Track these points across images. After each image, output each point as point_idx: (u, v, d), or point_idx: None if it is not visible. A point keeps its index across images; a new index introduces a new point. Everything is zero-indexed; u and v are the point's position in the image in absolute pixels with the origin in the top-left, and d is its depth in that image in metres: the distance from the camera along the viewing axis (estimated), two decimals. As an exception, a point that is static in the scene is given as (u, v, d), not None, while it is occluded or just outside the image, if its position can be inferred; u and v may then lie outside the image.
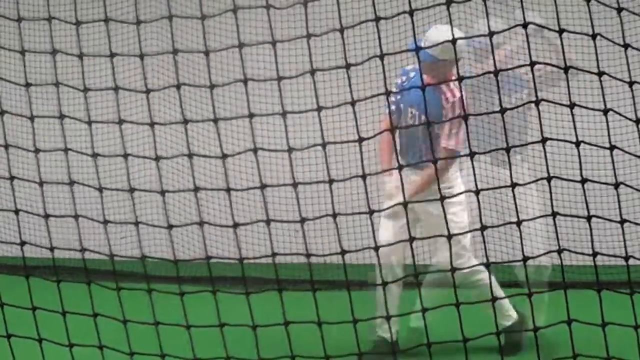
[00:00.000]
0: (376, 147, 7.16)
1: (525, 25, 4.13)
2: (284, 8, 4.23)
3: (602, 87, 3.91)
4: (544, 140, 3.93)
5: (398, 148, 6.21)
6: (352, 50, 7.56)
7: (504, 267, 7.54)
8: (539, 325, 4.27)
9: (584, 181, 3.99)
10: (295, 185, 4.04)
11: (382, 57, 3.89)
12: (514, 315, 6.52)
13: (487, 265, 4.49)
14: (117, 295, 4.24)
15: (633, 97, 4.00)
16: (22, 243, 4.39)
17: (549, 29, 4.10)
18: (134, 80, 8.15)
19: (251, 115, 4.02)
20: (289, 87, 7.88)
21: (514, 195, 4.05)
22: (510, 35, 6.53)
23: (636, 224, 4.30)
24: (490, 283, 4.68)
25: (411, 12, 3.90)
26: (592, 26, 3.91)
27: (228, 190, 4.08)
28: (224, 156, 4.04)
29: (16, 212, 4.38)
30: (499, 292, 6.22)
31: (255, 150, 4.05)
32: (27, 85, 4.30)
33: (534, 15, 6.42)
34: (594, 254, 4.01)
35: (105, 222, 4.28)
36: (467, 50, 6.68)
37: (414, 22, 3.96)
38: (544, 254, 4.95)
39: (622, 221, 4.09)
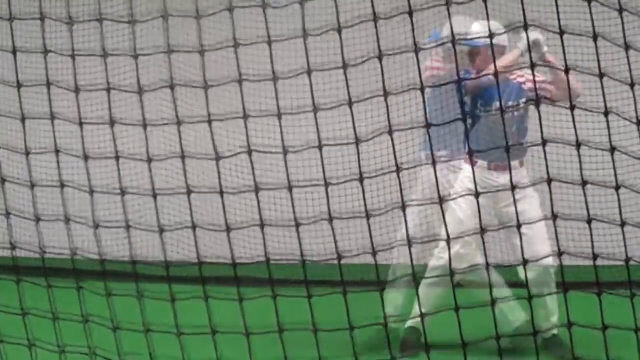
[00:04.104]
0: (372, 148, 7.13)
1: (525, 27, 4.11)
2: (281, 7, 4.19)
3: (602, 88, 3.88)
4: (544, 142, 3.91)
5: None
6: (351, 51, 7.52)
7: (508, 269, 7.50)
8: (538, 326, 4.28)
9: (584, 183, 3.96)
10: (290, 187, 4.00)
11: (380, 57, 3.86)
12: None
13: (487, 267, 4.51)
14: (107, 301, 4.20)
15: (634, 98, 3.96)
16: (13, 247, 4.36)
17: (549, 30, 4.07)
18: (131, 76, 8.09)
19: (246, 116, 3.99)
20: (288, 87, 7.83)
21: (514, 198, 4.03)
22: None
23: (636, 226, 4.27)
24: (490, 284, 4.64)
25: (410, 12, 3.87)
26: (593, 27, 3.88)
27: (221, 192, 4.04)
28: (218, 157, 4.00)
29: (7, 214, 4.35)
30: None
31: (249, 152, 4.01)
32: (19, 85, 4.26)
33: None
34: (594, 257, 3.99)
35: (96, 225, 4.24)
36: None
37: (413, 22, 3.93)
38: (544, 257, 4.94)
39: (623, 223, 4.07)
